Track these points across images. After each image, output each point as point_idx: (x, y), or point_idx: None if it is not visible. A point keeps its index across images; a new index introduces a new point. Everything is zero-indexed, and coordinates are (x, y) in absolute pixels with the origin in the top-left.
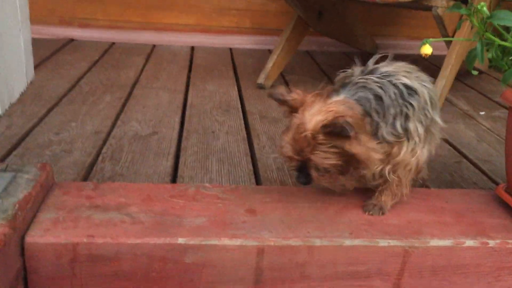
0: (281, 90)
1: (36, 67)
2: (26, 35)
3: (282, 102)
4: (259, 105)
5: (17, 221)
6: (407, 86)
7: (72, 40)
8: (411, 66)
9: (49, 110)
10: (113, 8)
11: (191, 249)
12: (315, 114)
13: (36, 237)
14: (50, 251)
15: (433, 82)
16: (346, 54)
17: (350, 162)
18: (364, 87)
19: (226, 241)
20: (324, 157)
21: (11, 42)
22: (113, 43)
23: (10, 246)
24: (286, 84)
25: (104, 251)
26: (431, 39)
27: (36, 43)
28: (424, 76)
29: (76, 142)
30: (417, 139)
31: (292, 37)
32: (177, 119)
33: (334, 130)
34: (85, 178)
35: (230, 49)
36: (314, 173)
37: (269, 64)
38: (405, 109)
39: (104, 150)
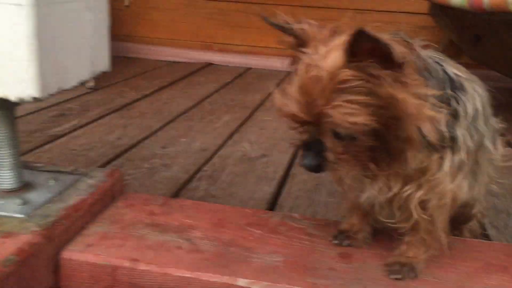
0: (286, 16)
1: (166, 87)
2: None
3: (285, 30)
4: None
5: (56, 231)
6: (458, 76)
7: (210, 64)
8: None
9: (165, 125)
10: (252, 34)
11: None
12: (335, 48)
13: (75, 252)
14: (86, 272)
15: None
16: None
17: (387, 122)
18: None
19: None
20: (349, 111)
21: None
22: (249, 68)
23: (39, 259)
24: None
25: (146, 281)
26: None
27: (176, 66)
28: (476, 79)
29: (179, 157)
30: (464, 156)
31: None
32: None
33: (371, 54)
34: (175, 195)
35: None
36: (330, 144)
37: None
38: (454, 104)
39: (205, 168)
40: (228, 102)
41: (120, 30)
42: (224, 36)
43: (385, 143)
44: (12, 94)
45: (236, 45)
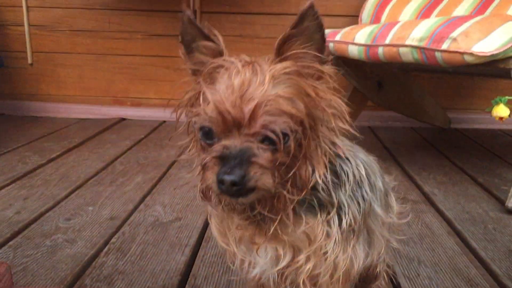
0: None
1: (75, 147)
2: None
3: (205, 35)
4: None
5: None
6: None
7: (123, 119)
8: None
9: (71, 192)
10: (165, 87)
11: None
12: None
13: None
14: None
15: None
16: (414, 129)
17: (309, 124)
18: None
19: None
20: (288, 101)
21: None
22: (164, 121)
23: None
24: None
25: None
26: (506, 97)
27: (86, 123)
28: (359, 149)
29: (85, 230)
30: (352, 222)
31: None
32: None
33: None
34: (79, 275)
35: None
36: (258, 150)
37: None
38: (338, 169)
39: (113, 240)
40: (141, 160)
41: (24, 89)
42: (137, 90)
43: (295, 161)
44: None
45: (149, 98)
